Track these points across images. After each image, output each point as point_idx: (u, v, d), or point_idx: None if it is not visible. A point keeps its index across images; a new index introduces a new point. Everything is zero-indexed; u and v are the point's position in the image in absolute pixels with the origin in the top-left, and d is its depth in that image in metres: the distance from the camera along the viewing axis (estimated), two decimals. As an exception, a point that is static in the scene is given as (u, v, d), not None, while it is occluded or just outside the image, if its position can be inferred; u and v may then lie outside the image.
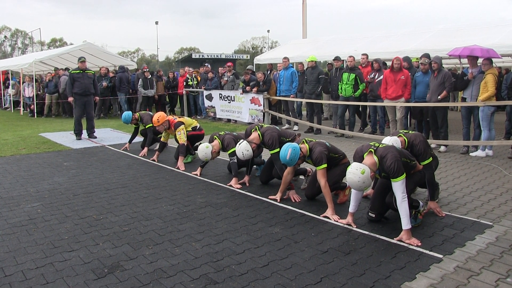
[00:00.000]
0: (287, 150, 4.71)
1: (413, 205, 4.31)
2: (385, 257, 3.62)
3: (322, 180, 4.72)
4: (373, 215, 4.42)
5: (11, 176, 6.54)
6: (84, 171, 6.80)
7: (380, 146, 4.16)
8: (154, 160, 7.53)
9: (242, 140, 5.60)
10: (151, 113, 8.48)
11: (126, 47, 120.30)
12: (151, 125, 7.92)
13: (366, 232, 4.17)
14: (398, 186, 3.94)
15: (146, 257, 3.65)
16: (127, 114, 8.31)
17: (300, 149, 4.78)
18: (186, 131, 7.36)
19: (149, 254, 3.72)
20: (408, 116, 9.93)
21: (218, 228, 4.33)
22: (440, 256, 3.62)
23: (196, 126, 7.71)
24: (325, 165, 4.74)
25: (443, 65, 8.49)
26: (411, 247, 3.80)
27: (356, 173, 3.86)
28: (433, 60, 8.17)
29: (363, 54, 10.66)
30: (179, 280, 3.24)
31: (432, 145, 8.26)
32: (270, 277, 3.28)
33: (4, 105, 20.03)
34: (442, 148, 8.27)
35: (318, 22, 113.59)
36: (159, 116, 7.36)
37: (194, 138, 7.68)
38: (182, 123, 7.35)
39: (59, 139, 10.02)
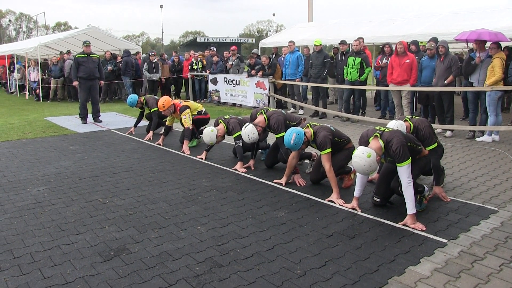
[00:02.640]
0: (291, 134, 4.70)
1: (418, 190, 4.31)
2: (390, 241, 3.63)
3: (326, 165, 4.72)
4: (378, 200, 4.42)
5: (17, 160, 6.59)
6: (90, 155, 6.84)
7: (385, 130, 4.14)
8: (159, 144, 7.55)
9: (248, 123, 5.59)
10: (156, 97, 8.48)
11: (131, 31, 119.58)
12: (156, 109, 7.92)
13: (371, 217, 4.18)
14: (404, 171, 3.93)
15: (151, 240, 3.68)
16: (132, 97, 8.32)
17: (305, 134, 4.77)
18: (192, 115, 7.36)
19: (155, 237, 3.75)
20: (414, 101, 9.85)
21: (223, 211, 4.35)
22: (445, 240, 3.63)
23: (202, 111, 7.69)
24: (329, 150, 4.73)
25: (450, 49, 8.38)
26: (415, 231, 3.81)
27: (362, 156, 3.85)
28: (440, 44, 8.07)
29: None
30: (184, 263, 3.27)
31: (438, 130, 8.22)
32: (275, 261, 3.31)
33: (10, 90, 20.06)
34: (448, 133, 8.22)
35: (324, 5, 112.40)
36: (164, 101, 7.34)
37: (200, 122, 7.67)
38: (188, 107, 7.33)
39: (64, 123, 10.05)
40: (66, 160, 6.51)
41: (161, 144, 7.55)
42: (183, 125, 7.28)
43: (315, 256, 3.38)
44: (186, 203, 4.60)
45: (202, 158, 6.51)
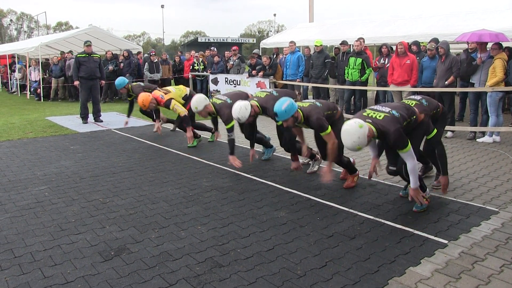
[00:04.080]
0: (285, 101, 4.58)
1: (422, 187, 4.37)
2: (390, 242, 3.63)
3: (330, 141, 4.68)
4: (394, 168, 4.40)
5: (18, 159, 6.59)
6: (91, 155, 6.84)
7: (378, 118, 3.99)
8: (158, 129, 8.08)
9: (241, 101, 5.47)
10: (142, 83, 8.45)
11: (132, 30, 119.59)
12: None
13: (371, 217, 4.18)
14: (408, 155, 3.99)
15: (152, 240, 3.68)
16: (121, 79, 8.39)
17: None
18: (180, 104, 7.34)
19: (155, 237, 3.75)
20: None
21: (224, 211, 4.35)
22: (445, 241, 3.63)
23: (186, 94, 7.57)
24: (329, 129, 4.67)
25: (450, 50, 8.37)
26: (416, 232, 3.80)
27: (354, 125, 3.79)
28: (440, 45, 8.07)
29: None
30: (184, 263, 3.28)
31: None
32: (275, 261, 3.31)
33: (11, 89, 20.07)
34: (449, 134, 8.22)
35: (325, 5, 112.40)
36: (143, 100, 7.17)
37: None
38: (171, 99, 7.21)
39: (65, 123, 10.05)
40: (66, 160, 6.52)
41: (160, 129, 8.05)
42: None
43: (316, 256, 3.38)
44: (187, 203, 4.60)
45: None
